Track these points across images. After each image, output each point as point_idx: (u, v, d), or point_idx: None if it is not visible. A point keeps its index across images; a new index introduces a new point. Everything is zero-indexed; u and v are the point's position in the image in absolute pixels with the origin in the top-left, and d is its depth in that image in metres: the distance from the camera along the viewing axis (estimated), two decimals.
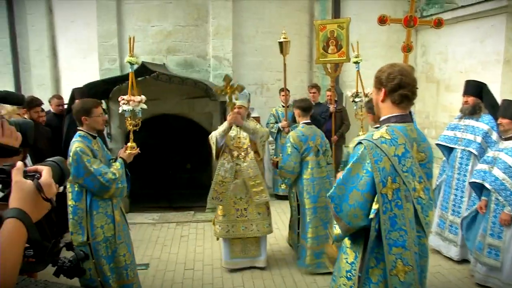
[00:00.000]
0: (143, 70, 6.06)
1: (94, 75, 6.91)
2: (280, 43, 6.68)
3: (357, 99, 4.67)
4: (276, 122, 7.47)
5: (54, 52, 8.30)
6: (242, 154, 4.52)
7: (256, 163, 4.50)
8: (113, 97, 6.90)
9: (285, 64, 6.78)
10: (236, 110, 4.29)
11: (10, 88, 8.74)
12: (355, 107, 4.85)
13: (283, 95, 7.16)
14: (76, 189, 3.46)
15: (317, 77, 8.93)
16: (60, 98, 6.48)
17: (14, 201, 1.15)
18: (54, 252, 1.25)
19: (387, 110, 2.21)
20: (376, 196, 2.07)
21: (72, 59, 7.82)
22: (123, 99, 3.89)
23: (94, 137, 3.59)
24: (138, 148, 3.88)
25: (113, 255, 3.62)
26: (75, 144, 3.40)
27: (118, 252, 3.63)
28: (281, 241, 5.46)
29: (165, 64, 6.94)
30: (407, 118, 2.21)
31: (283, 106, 7.23)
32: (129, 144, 3.86)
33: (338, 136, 7.58)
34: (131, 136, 3.90)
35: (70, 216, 3.48)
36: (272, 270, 4.70)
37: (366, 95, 4.61)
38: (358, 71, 4.81)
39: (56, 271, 1.37)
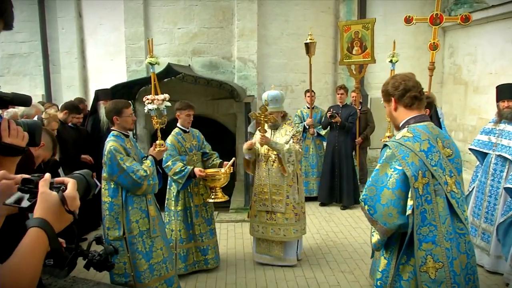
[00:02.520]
0: (169, 71, 6.15)
1: (121, 77, 7.05)
2: (306, 44, 6.68)
3: None
4: (301, 123, 7.43)
5: (83, 55, 8.52)
6: (272, 156, 4.59)
7: (283, 174, 4.56)
8: (139, 98, 7.01)
9: (310, 65, 6.76)
10: (262, 134, 4.41)
11: (41, 89, 9.02)
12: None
13: (308, 96, 7.14)
14: (112, 186, 3.61)
15: (341, 79, 8.86)
16: (79, 112, 5.96)
17: (38, 211, 1.18)
18: (74, 262, 1.28)
19: (402, 115, 2.28)
20: (410, 191, 2.07)
21: (100, 61, 7.99)
22: (147, 99, 3.98)
23: (127, 136, 3.74)
24: (167, 146, 3.99)
25: (151, 250, 3.74)
26: (110, 143, 3.56)
27: (155, 246, 3.77)
28: (305, 243, 5.42)
29: (191, 65, 7.01)
30: (425, 117, 2.25)
31: (308, 108, 7.20)
32: (157, 142, 3.97)
33: (362, 138, 7.50)
34: (159, 134, 3.99)
35: (106, 212, 3.63)
36: (295, 272, 4.66)
37: None
38: (393, 70, 4.70)
39: (86, 264, 1.40)
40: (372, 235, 2.27)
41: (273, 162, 4.58)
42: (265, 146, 4.58)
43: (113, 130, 3.69)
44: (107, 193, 3.63)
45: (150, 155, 3.87)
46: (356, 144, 7.49)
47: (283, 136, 4.61)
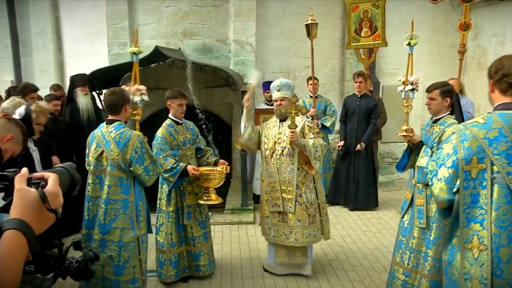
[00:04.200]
0: (157, 55, 6.13)
1: (102, 61, 7.06)
2: (307, 25, 6.64)
3: (407, 88, 4.52)
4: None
5: (58, 35, 8.47)
6: (279, 150, 4.61)
7: (293, 169, 4.58)
8: (123, 85, 6.97)
9: (312, 49, 6.73)
10: (292, 131, 4.41)
11: (10, 74, 8.93)
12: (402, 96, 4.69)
13: (311, 84, 7.12)
14: (125, 182, 3.81)
15: (350, 64, 8.88)
16: (57, 98, 6.15)
17: (15, 211, 1.16)
18: (59, 268, 1.28)
19: (496, 99, 2.58)
20: (459, 172, 2.46)
21: (78, 43, 8.00)
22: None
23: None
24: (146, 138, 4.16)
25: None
26: (135, 133, 3.88)
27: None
28: (321, 249, 5.44)
29: (181, 49, 6.99)
30: None
31: (311, 97, 7.18)
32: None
33: None
34: (137, 126, 4.27)
35: (120, 212, 3.76)
36: (298, 281, 4.72)
37: (412, 83, 4.46)
38: (410, 55, 4.68)
39: (63, 272, 1.38)
40: None
41: (280, 155, 4.60)
42: (273, 139, 4.62)
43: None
44: (120, 190, 3.76)
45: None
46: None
47: None
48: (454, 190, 2.51)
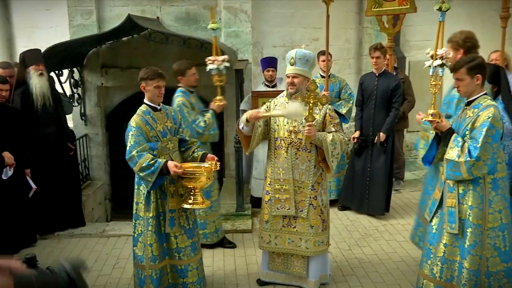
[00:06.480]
0: (130, 26, 6.10)
1: (62, 34, 7.02)
2: None
3: (435, 63, 4.48)
4: None
5: (5, 2, 8.43)
6: (296, 141, 4.60)
7: (309, 167, 4.62)
8: (89, 64, 6.94)
9: (328, 16, 6.67)
10: (309, 124, 4.42)
11: None
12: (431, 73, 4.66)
13: (322, 61, 7.08)
14: None
15: (369, 35, 8.87)
16: (5, 81, 5.71)
17: None
18: None
19: None
20: None
21: (31, 11, 7.97)
22: (209, 60, 5.56)
23: (192, 92, 5.76)
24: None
25: None
26: (178, 98, 5.49)
27: None
28: (334, 262, 5.44)
29: (160, 18, 6.94)
30: None
31: (322, 76, 7.15)
32: (217, 97, 5.73)
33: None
34: (219, 90, 5.71)
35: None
36: None
37: (442, 57, 4.43)
38: (441, 22, 4.65)
39: None
40: None
41: (297, 149, 4.61)
42: (285, 126, 4.62)
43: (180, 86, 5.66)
44: None
45: (211, 108, 5.68)
46: None
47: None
48: None
